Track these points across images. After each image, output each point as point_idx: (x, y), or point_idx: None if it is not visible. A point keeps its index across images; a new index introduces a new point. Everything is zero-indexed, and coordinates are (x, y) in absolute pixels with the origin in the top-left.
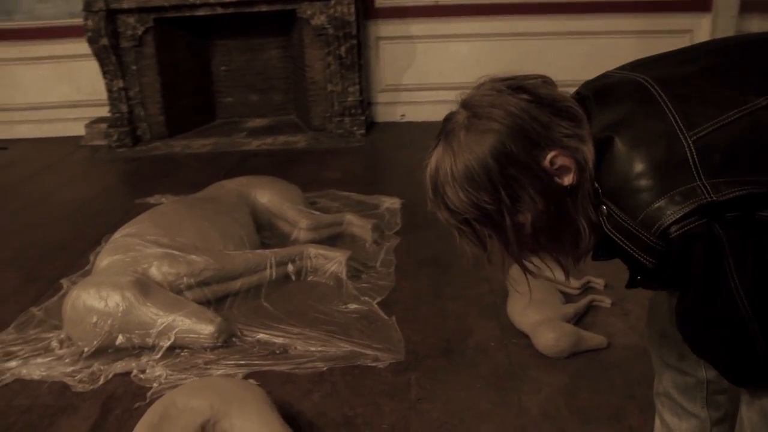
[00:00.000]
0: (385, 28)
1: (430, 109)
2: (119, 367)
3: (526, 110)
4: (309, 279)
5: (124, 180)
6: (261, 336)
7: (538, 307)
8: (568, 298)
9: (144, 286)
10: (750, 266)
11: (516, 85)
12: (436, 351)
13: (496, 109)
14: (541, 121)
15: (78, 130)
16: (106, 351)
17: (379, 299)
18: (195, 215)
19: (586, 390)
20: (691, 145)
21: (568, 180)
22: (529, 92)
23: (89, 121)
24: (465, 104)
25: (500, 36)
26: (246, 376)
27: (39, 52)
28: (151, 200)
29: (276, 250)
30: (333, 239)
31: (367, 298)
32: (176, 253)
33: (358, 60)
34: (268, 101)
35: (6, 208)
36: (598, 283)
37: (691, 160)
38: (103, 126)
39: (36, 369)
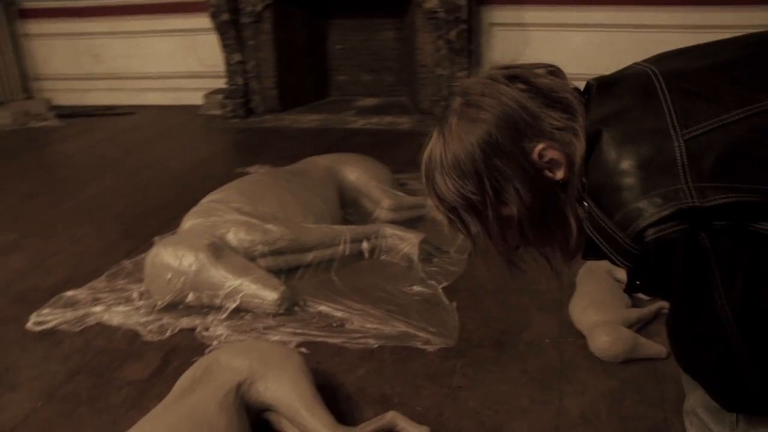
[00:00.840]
0: (499, 14)
1: None
2: (185, 322)
3: (517, 100)
4: (382, 258)
5: (231, 149)
6: (322, 308)
7: (599, 307)
8: (638, 303)
9: (217, 250)
10: (740, 284)
11: (512, 74)
12: (488, 341)
13: (487, 98)
14: (531, 112)
15: (198, 99)
16: (176, 307)
17: (445, 284)
18: (279, 187)
19: (632, 399)
20: (682, 144)
21: (560, 174)
22: (525, 81)
23: (208, 92)
24: (460, 91)
25: (617, 27)
26: (299, 345)
27: (169, 25)
28: (251, 170)
29: (352, 227)
30: (414, 221)
31: (433, 282)
32: (254, 221)
33: (468, 45)
34: (380, 81)
35: (124, 167)
36: None
37: (679, 161)
38: (220, 97)
39: (116, 316)
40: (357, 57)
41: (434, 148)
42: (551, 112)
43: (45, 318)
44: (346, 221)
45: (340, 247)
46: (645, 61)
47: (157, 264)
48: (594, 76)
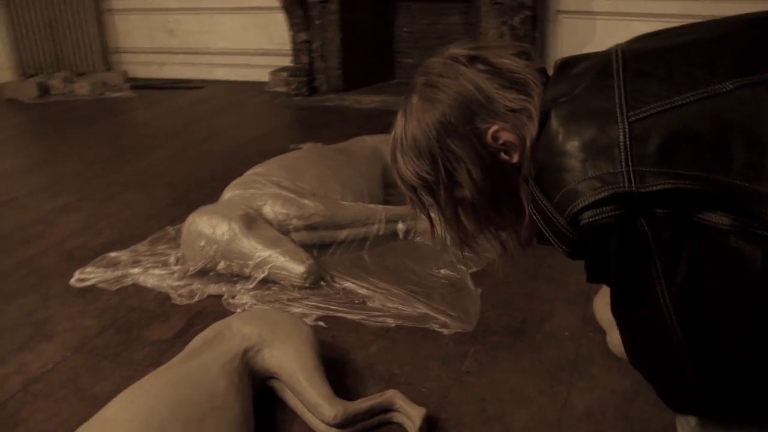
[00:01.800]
0: (566, 2)
1: None
2: (213, 289)
3: (474, 81)
4: (416, 240)
5: (289, 126)
6: (347, 285)
7: None
8: None
9: (251, 221)
10: (682, 276)
11: (473, 55)
12: (506, 329)
13: (445, 78)
14: (486, 93)
15: (264, 76)
16: (207, 273)
17: (474, 269)
18: (321, 164)
19: (642, 400)
20: (627, 126)
21: (516, 157)
22: (485, 62)
23: (274, 69)
24: (423, 70)
25: (687, 18)
26: (319, 318)
27: (241, 2)
28: (303, 146)
29: (389, 207)
30: None
31: (462, 267)
32: (291, 195)
33: (532, 32)
34: None
35: (186, 138)
36: None
37: (622, 144)
38: (285, 75)
39: (151, 278)
40: (423, 40)
41: (397, 126)
42: (507, 93)
43: (87, 276)
44: (387, 201)
45: (375, 227)
46: (625, 41)
47: (192, 231)
48: None
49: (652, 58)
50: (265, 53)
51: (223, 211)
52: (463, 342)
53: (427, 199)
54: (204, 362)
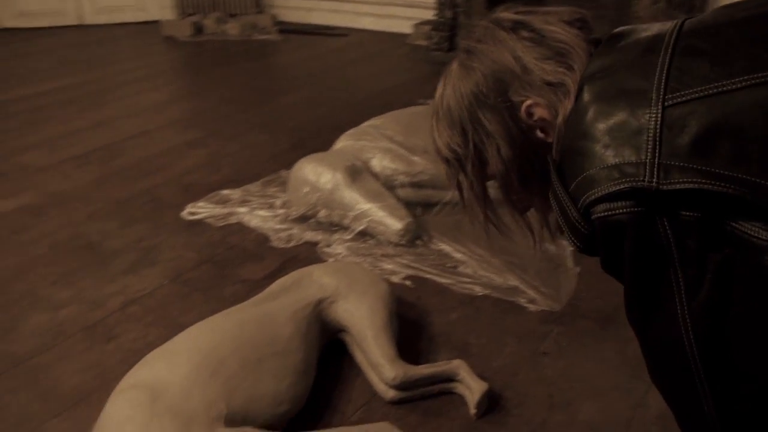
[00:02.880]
0: None
1: None
2: (310, 235)
3: (512, 49)
4: None
5: (423, 80)
6: (443, 247)
7: None
8: None
9: (356, 173)
10: (706, 293)
11: (519, 20)
12: (596, 314)
13: (483, 44)
14: (524, 64)
15: (407, 28)
16: (308, 220)
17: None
18: None
19: None
20: (660, 111)
21: (551, 136)
22: (530, 28)
23: (417, 22)
24: (466, 34)
25: None
26: (407, 277)
27: None
28: (428, 102)
29: None
30: None
31: (567, 243)
32: (401, 150)
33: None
34: (596, 30)
35: (320, 85)
36: None
37: (651, 131)
38: (427, 28)
39: (254, 219)
40: (574, 2)
41: (437, 92)
42: (547, 64)
43: (197, 210)
44: None
45: None
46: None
47: (299, 177)
48: None
49: (712, 34)
50: (410, 5)
51: (330, 161)
52: (548, 321)
53: (457, 171)
54: (275, 307)
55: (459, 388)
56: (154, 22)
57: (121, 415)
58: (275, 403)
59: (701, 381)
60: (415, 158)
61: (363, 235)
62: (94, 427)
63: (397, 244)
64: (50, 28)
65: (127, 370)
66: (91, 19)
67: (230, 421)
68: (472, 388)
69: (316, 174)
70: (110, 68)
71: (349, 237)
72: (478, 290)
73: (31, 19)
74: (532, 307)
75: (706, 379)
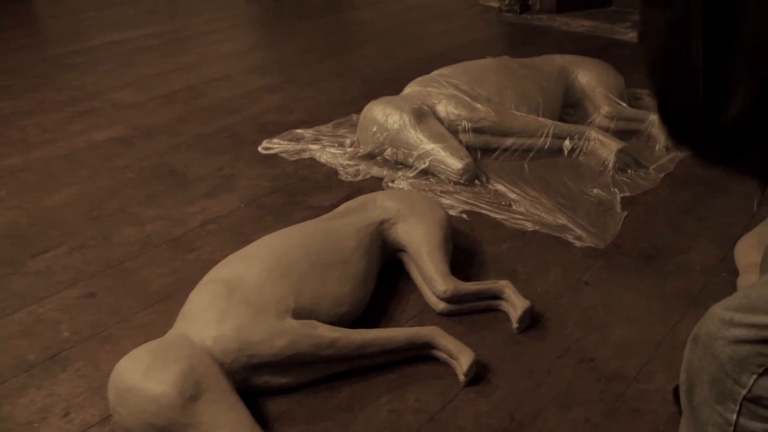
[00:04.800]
0: None
1: None
2: (376, 171)
3: None
4: (579, 158)
5: (493, 40)
6: (499, 187)
7: (765, 250)
8: None
9: (421, 116)
10: None
11: None
12: (638, 253)
13: None
14: None
15: None
16: (375, 157)
17: (627, 194)
18: (503, 74)
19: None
20: None
21: None
22: None
23: None
24: None
25: None
26: (464, 212)
27: None
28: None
29: (559, 123)
30: (628, 134)
31: (616, 190)
32: (465, 98)
33: None
34: None
35: (394, 39)
36: None
37: None
38: None
39: (325, 155)
40: None
41: None
42: None
43: (273, 145)
44: (563, 120)
45: (541, 140)
46: None
47: (368, 117)
48: None
49: None
50: None
51: (398, 103)
52: (592, 256)
53: None
54: (342, 224)
55: (504, 305)
56: None
57: (203, 303)
58: (337, 304)
59: (697, 61)
60: (478, 105)
61: (425, 173)
62: (180, 313)
63: (456, 183)
64: None
65: None
66: None
67: (297, 315)
68: (515, 305)
69: (384, 115)
70: (194, 18)
71: (412, 174)
72: (529, 226)
73: None
74: (578, 243)
75: (703, 58)
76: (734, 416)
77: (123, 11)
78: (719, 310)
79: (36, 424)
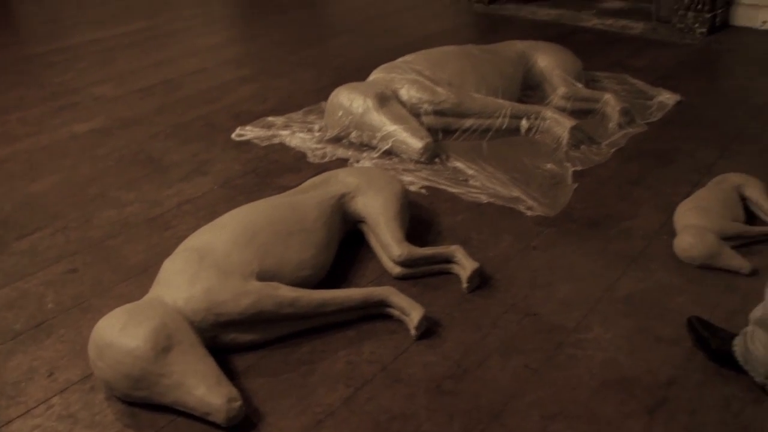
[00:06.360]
0: None
1: None
2: (342, 153)
3: None
4: (536, 137)
5: (460, 30)
6: (458, 164)
7: (700, 212)
8: (757, 224)
9: (384, 100)
10: None
11: None
12: (585, 220)
13: None
14: None
15: None
16: (341, 140)
17: (579, 168)
18: (464, 59)
19: (687, 297)
20: None
21: None
22: None
23: None
24: None
25: None
26: (423, 187)
27: None
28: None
29: (516, 104)
30: (583, 113)
31: (568, 164)
32: (427, 82)
33: None
34: None
35: (365, 31)
36: None
37: None
38: None
39: (294, 140)
40: None
41: None
42: None
43: (246, 132)
44: (522, 101)
45: (499, 120)
46: None
47: (334, 102)
48: None
49: None
50: None
51: (362, 88)
52: (542, 224)
53: None
54: (306, 197)
55: (455, 268)
56: None
57: (175, 268)
58: (299, 268)
59: None
60: (439, 89)
61: (388, 153)
62: (155, 280)
63: (417, 162)
64: None
65: None
66: None
67: (261, 278)
68: (465, 267)
69: (349, 99)
70: (171, 15)
71: (376, 155)
72: (484, 198)
73: None
74: (529, 213)
75: None
76: None
77: (102, 10)
78: None
79: (23, 384)
